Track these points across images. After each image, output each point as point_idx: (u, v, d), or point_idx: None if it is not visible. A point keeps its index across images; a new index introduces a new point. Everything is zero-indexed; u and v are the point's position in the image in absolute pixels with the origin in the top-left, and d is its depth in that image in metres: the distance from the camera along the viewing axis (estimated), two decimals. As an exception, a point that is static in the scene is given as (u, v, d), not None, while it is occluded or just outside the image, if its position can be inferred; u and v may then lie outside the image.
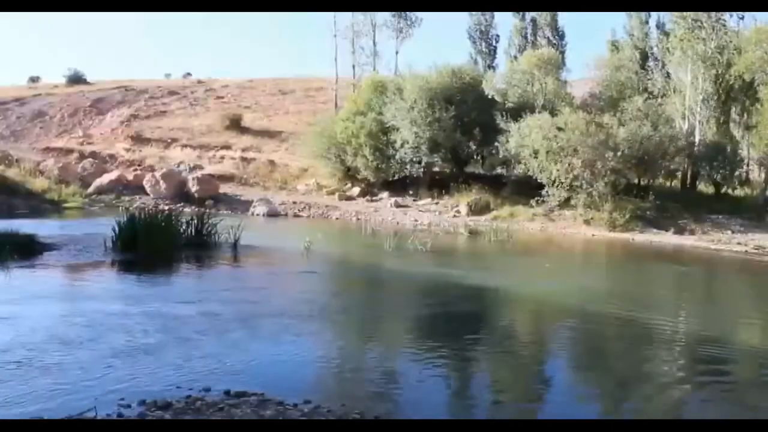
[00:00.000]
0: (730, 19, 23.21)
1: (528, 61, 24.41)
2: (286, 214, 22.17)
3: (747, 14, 23.48)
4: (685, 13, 21.78)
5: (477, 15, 33.15)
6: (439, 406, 4.81)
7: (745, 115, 23.13)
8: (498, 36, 33.69)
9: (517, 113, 22.31)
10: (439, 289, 9.76)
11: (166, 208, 18.00)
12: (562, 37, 31.18)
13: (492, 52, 33.60)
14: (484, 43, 33.58)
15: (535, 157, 20.95)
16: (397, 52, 32.97)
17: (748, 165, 24.31)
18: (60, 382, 4.69)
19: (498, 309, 8.97)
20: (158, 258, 10.76)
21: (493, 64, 33.04)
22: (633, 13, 27.54)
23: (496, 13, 33.62)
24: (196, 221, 12.59)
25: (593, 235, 18.95)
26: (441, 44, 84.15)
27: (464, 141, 24.47)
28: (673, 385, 5.57)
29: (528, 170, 21.31)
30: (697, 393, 5.42)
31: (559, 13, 31.05)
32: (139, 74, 52.21)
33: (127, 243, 10.96)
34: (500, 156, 23.05)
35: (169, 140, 31.62)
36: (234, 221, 13.05)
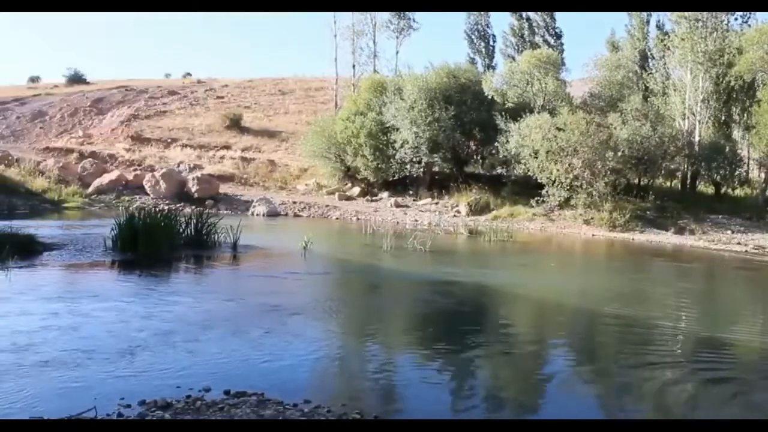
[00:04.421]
0: (732, 19, 23.27)
1: (527, 61, 24.41)
2: (286, 214, 22.18)
3: (747, 14, 23.53)
4: (686, 13, 21.79)
5: (474, 15, 33.19)
6: (439, 406, 4.81)
7: (745, 115, 23.15)
8: (494, 36, 33.78)
9: (516, 113, 22.34)
10: (440, 289, 9.76)
11: (166, 208, 18.01)
12: (559, 36, 31.21)
13: (490, 53, 33.65)
14: (482, 43, 33.62)
15: (535, 157, 20.97)
16: (397, 52, 33.08)
17: (748, 165, 24.33)
18: (60, 381, 4.69)
19: (498, 309, 8.97)
20: (158, 258, 10.76)
21: (492, 64, 33.10)
22: (633, 13, 27.55)
23: (493, 13, 33.72)
24: (195, 221, 12.59)
25: (593, 235, 18.96)
26: (440, 44, 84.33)
27: (464, 141, 24.49)
28: (674, 384, 5.57)
29: (528, 170, 21.33)
30: (698, 392, 5.41)
31: (558, 13, 31.11)
32: (139, 74, 52.26)
33: (127, 243, 10.95)
34: (500, 156, 23.07)
35: (169, 140, 31.65)
36: (234, 221, 13.04)
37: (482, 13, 32.84)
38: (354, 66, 32.94)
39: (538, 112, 22.11)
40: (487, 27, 33.61)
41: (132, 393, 4.45)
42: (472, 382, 5.51)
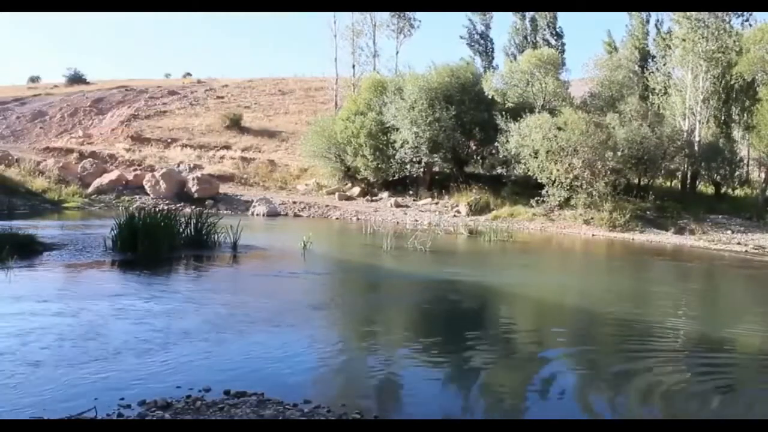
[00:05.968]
0: (736, 19, 23.30)
1: (528, 61, 24.42)
2: (286, 214, 22.18)
3: (749, 14, 23.55)
4: (687, 13, 21.80)
5: (472, 16, 33.21)
6: (439, 406, 4.81)
7: (745, 115, 23.17)
8: (492, 39, 33.79)
9: (516, 113, 22.34)
10: (440, 289, 9.76)
11: (166, 208, 18.01)
12: (560, 36, 31.20)
13: (489, 53, 33.66)
14: (482, 43, 33.62)
15: (535, 157, 20.97)
16: (397, 52, 33.11)
17: (748, 165, 24.34)
18: (60, 381, 4.68)
19: (499, 309, 8.97)
20: (158, 258, 10.75)
21: (492, 64, 33.12)
22: (633, 13, 27.57)
23: (493, 13, 33.73)
24: (195, 221, 12.58)
25: (593, 235, 18.96)
26: (440, 44, 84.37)
27: (464, 141, 24.50)
28: (674, 383, 5.56)
29: (528, 170, 21.34)
30: (699, 392, 5.40)
31: (559, 13, 31.10)
32: (139, 74, 52.28)
33: (127, 243, 10.95)
34: (500, 156, 23.08)
35: (169, 140, 31.66)
36: (234, 221, 13.04)
37: (483, 13, 32.86)
38: (354, 66, 32.99)
39: (539, 112, 22.12)
40: (487, 27, 33.61)
41: (132, 393, 4.44)
42: (472, 382, 5.50)
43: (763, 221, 20.00)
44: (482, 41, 33.63)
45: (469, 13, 32.96)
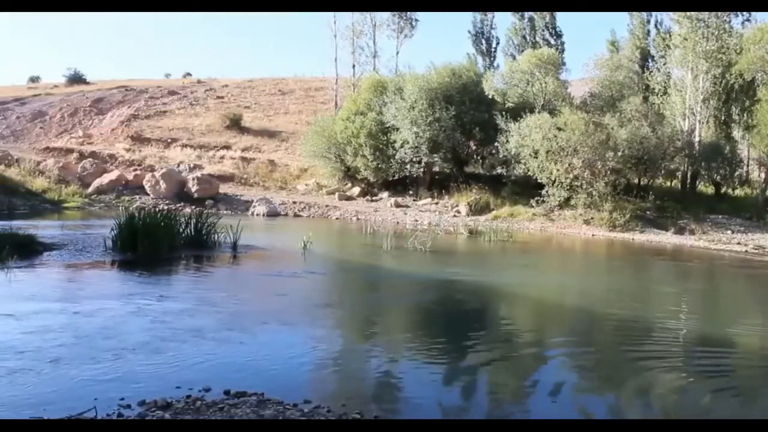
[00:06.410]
0: (735, 19, 23.31)
1: (528, 60, 24.40)
2: (286, 214, 22.18)
3: (749, 14, 23.56)
4: (688, 13, 21.78)
5: (478, 14, 33.20)
6: (439, 406, 4.81)
7: (745, 114, 23.16)
8: (498, 38, 33.76)
9: (517, 113, 22.33)
10: (440, 289, 9.76)
11: (166, 208, 18.01)
12: (560, 36, 31.15)
13: (491, 52, 33.63)
14: (484, 43, 33.60)
15: (535, 157, 20.97)
16: (397, 52, 33.09)
17: (748, 165, 24.33)
18: (60, 381, 4.68)
19: (499, 309, 8.97)
20: (158, 258, 10.75)
21: (494, 64, 33.10)
22: (634, 13, 27.56)
23: (495, 13, 33.69)
24: (195, 221, 12.58)
25: (593, 235, 18.96)
26: (441, 43, 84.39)
27: (464, 141, 24.49)
28: (674, 383, 5.56)
29: (528, 170, 21.34)
30: (699, 392, 5.40)
31: (558, 13, 31.06)
32: (139, 74, 52.29)
33: (127, 243, 10.94)
34: (500, 156, 23.07)
35: (169, 140, 31.66)
36: (233, 221, 13.04)
37: (487, 13, 32.86)
38: (354, 66, 32.97)
39: (539, 112, 22.11)
40: (492, 28, 33.58)
41: (132, 393, 4.44)
42: (472, 382, 5.50)
43: (763, 221, 20.00)
44: (484, 41, 33.59)
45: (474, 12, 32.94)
